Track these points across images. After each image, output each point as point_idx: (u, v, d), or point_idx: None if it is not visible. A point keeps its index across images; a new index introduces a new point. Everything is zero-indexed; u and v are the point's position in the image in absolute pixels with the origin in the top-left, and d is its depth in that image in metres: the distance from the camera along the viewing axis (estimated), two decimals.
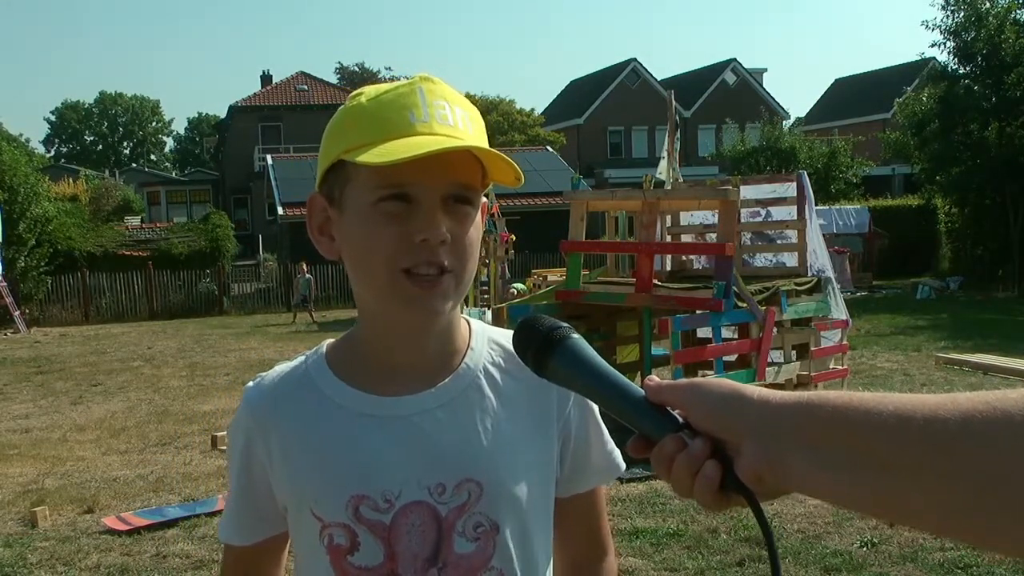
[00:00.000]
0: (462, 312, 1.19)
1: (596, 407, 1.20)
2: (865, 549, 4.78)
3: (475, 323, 1.17)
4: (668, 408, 0.77)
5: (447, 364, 1.11)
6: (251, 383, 1.16)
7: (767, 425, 0.71)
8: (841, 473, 0.67)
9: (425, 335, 1.09)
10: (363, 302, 1.11)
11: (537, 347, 0.83)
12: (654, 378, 0.79)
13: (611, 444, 1.22)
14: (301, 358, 1.16)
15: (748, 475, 0.71)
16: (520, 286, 16.28)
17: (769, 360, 7.39)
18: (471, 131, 1.05)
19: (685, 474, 0.74)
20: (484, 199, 1.11)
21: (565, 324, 0.85)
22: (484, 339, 1.15)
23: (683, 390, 0.77)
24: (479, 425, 1.09)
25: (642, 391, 0.79)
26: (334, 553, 1.07)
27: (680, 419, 0.76)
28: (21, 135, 65.60)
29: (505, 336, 1.17)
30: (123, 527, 5.45)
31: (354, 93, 1.09)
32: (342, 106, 1.09)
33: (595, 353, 0.83)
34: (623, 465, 1.24)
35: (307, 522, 1.08)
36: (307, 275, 19.86)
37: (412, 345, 1.10)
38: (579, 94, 52.08)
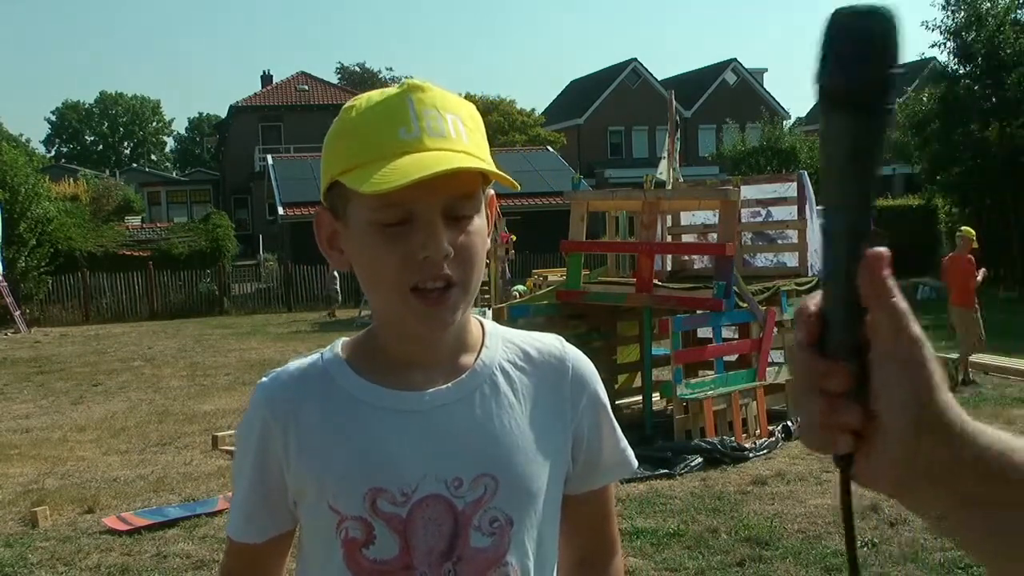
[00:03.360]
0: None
1: (608, 403, 1.21)
2: (866, 549, 4.77)
3: (487, 323, 1.18)
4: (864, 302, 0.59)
5: (463, 362, 1.12)
6: (265, 378, 1.15)
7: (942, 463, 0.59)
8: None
9: (438, 339, 1.10)
10: (377, 309, 1.12)
11: (881, 78, 0.60)
12: (884, 253, 0.58)
13: (623, 441, 1.23)
14: (316, 355, 1.15)
15: (872, 477, 0.61)
16: (521, 288, 16.27)
17: (770, 360, 7.40)
18: (465, 137, 1.04)
19: (821, 409, 0.60)
20: (491, 191, 1.11)
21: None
22: (498, 338, 1.16)
23: (906, 330, 0.58)
24: (496, 421, 1.10)
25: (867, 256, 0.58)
26: (349, 546, 1.06)
27: (863, 342, 0.59)
28: (21, 135, 65.68)
29: (518, 336, 1.19)
30: (123, 527, 5.46)
31: (347, 104, 1.09)
32: (338, 117, 1.09)
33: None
34: (635, 463, 1.25)
35: (323, 516, 1.07)
36: (333, 273, 19.94)
37: (426, 348, 1.11)
38: (579, 94, 52.07)
